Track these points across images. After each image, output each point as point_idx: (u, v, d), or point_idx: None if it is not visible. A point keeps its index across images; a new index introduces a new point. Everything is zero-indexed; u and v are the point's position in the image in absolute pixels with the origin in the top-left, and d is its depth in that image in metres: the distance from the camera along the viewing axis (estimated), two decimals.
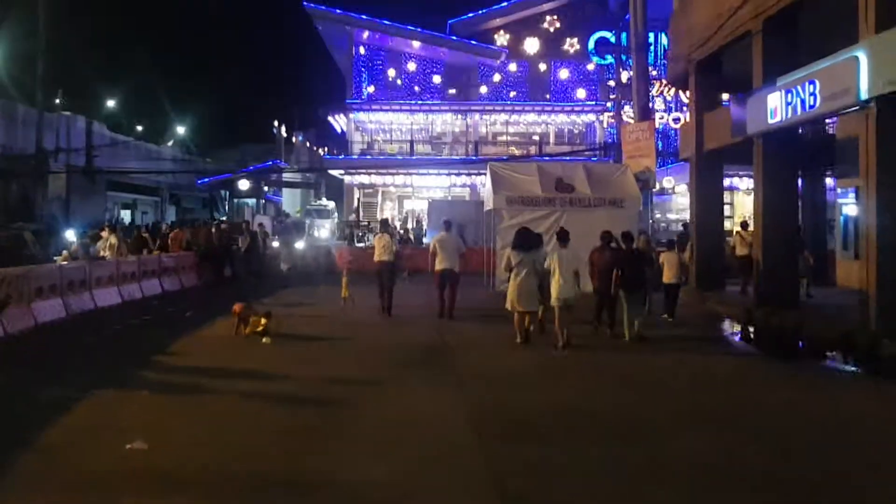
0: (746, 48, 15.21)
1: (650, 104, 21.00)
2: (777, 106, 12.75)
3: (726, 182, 39.47)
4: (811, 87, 11.51)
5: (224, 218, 44.51)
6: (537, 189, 17.28)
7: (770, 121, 12.97)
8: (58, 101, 39.91)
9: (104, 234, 16.33)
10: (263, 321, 10.98)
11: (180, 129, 56.51)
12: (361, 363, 9.29)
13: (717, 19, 15.06)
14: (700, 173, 17.25)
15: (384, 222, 15.92)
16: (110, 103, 47.28)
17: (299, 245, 28.66)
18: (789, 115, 12.36)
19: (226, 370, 8.77)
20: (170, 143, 56.21)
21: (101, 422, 6.58)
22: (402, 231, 36.75)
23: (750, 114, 13.72)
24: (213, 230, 19.95)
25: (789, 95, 12.33)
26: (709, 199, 17.22)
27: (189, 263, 18.85)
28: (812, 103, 11.51)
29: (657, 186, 20.90)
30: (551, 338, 10.37)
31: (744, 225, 16.98)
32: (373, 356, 9.71)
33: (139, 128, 53.97)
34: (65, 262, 14.25)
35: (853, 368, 9.44)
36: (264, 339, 10.47)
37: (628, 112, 37.87)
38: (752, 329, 11.66)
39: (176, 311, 14.24)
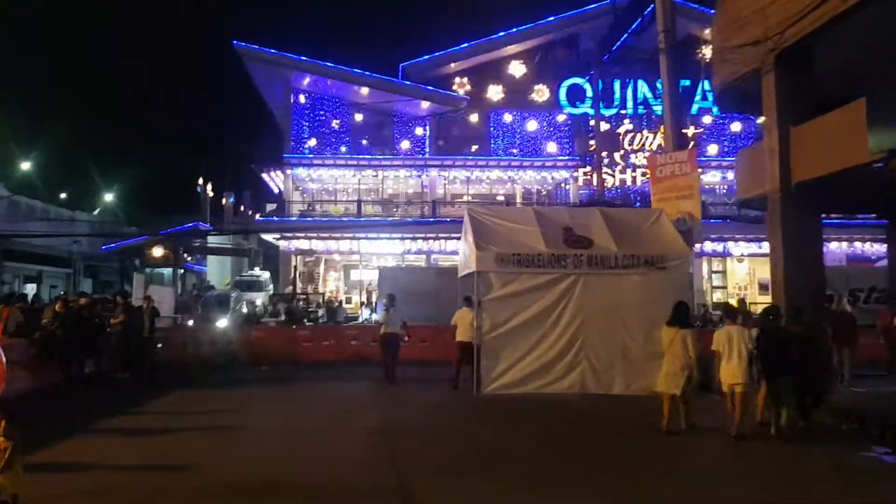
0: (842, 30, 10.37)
1: (684, 136, 15.29)
2: None
3: (718, 247, 34.89)
4: None
5: (128, 291, 37.47)
6: (539, 243, 12.45)
7: None
8: None
9: None
10: None
11: (108, 198, 50.08)
12: None
13: None
14: (787, 218, 11.56)
15: (467, 298, 13.15)
16: (25, 166, 40.05)
17: (221, 324, 22.98)
18: None
19: None
20: (96, 212, 49.98)
21: None
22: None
23: None
24: (58, 307, 13.40)
25: None
26: (803, 258, 11.53)
27: (17, 357, 12.30)
28: None
29: (700, 242, 15.30)
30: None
31: None
32: None
33: (62, 195, 47.77)
34: None
35: None
36: None
37: (606, 170, 33.85)
38: None
39: None
